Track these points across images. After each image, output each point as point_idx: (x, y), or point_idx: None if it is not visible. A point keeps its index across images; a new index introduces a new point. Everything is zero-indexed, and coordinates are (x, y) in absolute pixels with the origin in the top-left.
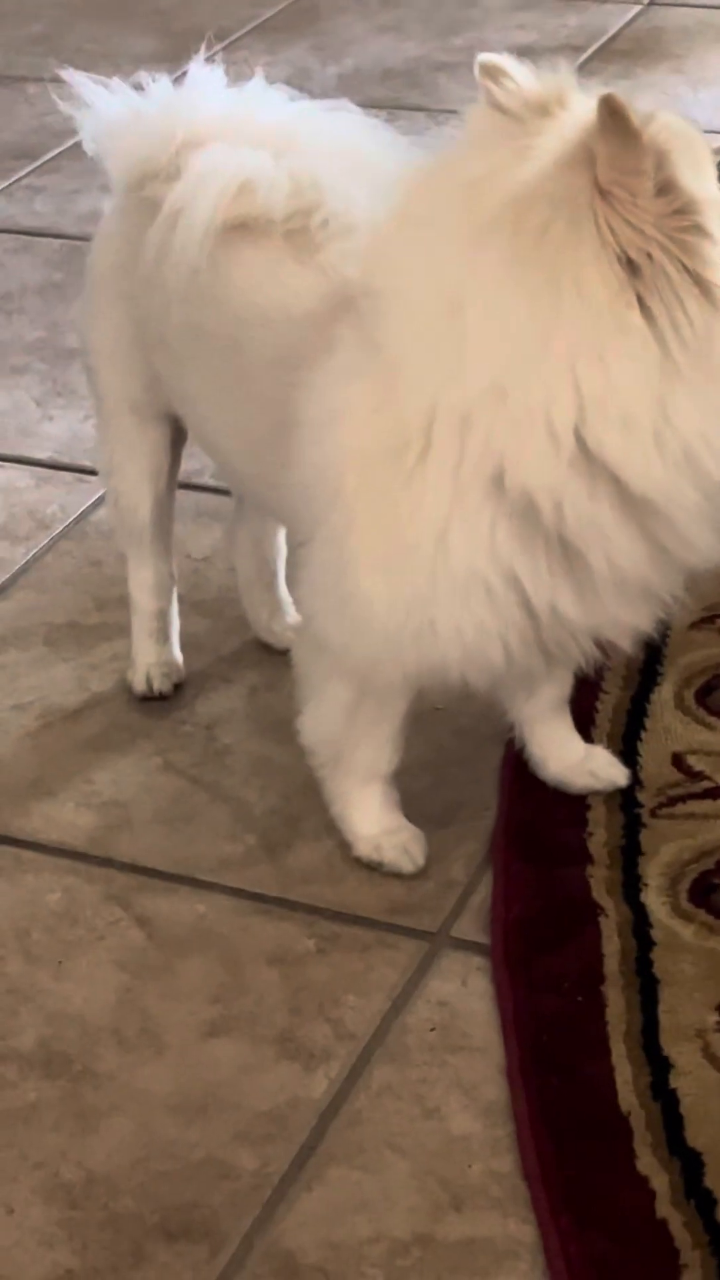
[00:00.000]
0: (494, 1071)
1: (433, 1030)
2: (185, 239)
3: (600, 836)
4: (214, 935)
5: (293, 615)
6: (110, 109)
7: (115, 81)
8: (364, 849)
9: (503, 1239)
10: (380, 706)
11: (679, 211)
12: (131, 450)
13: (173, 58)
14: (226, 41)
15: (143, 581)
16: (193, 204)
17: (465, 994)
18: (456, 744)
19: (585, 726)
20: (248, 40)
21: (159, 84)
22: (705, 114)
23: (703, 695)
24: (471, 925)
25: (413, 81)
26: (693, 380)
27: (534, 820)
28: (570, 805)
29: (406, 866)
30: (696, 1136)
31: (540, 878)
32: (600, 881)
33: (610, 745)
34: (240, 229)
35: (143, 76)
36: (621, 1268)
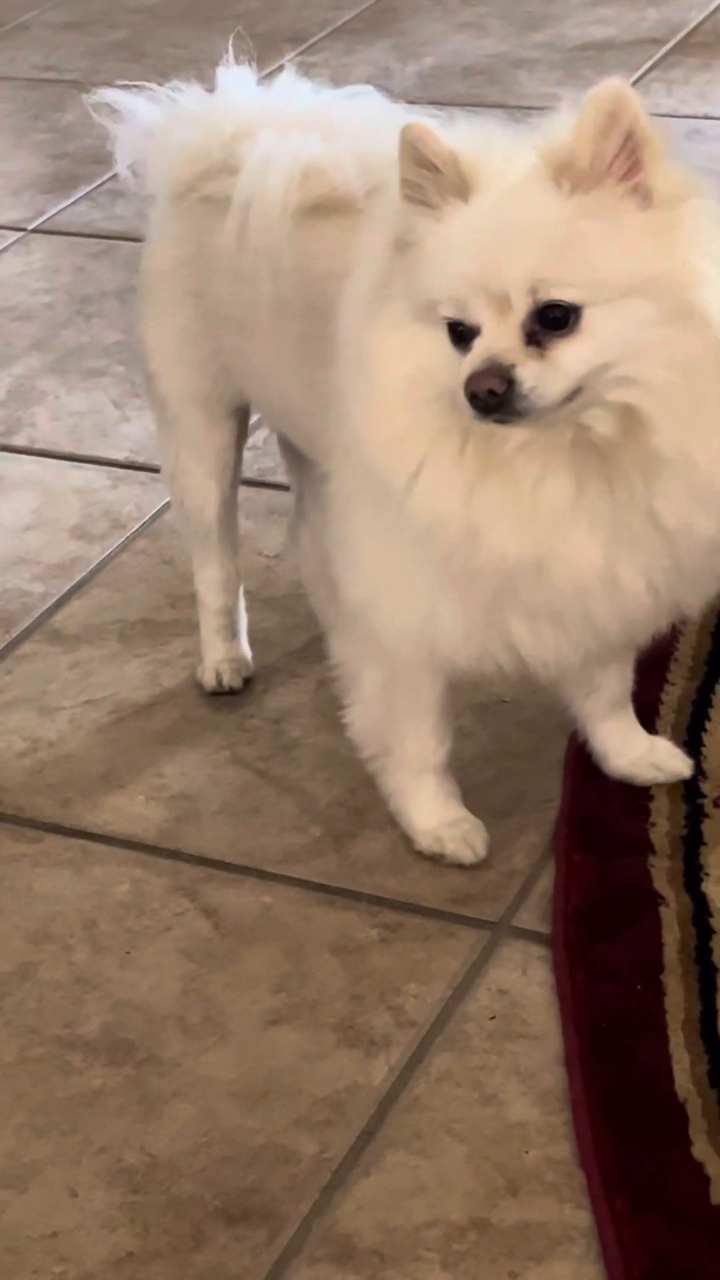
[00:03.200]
0: (552, 1059)
1: (492, 1018)
2: (261, 224)
3: (662, 827)
4: (278, 925)
5: None
6: (149, 115)
7: (152, 90)
8: (425, 841)
9: (558, 1224)
10: (412, 691)
11: None
12: (198, 450)
13: (255, 61)
14: (307, 44)
15: (210, 580)
16: (262, 191)
17: (525, 982)
18: (521, 736)
19: (650, 717)
20: (327, 42)
21: (191, 89)
22: None
23: None
24: (532, 915)
25: (492, 78)
26: None
27: (596, 811)
28: (632, 796)
29: (468, 857)
30: None
31: (601, 867)
32: (661, 871)
33: (674, 736)
34: (318, 208)
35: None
36: (676, 1252)
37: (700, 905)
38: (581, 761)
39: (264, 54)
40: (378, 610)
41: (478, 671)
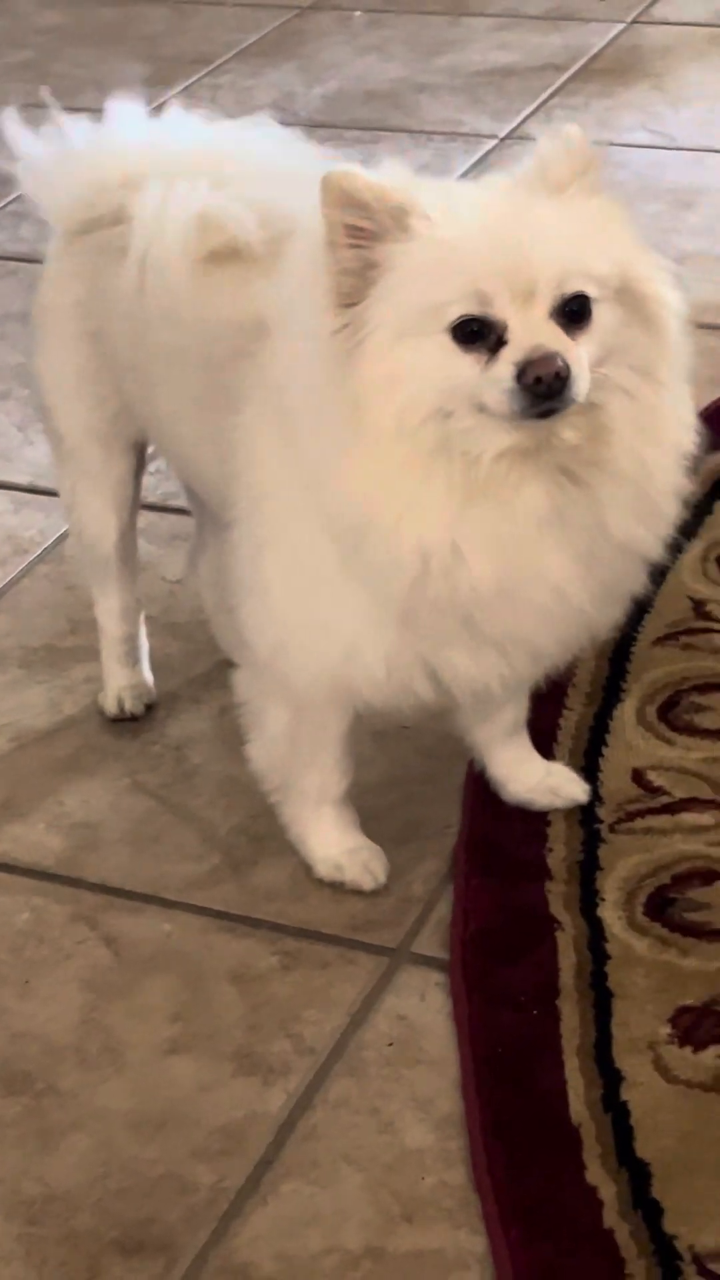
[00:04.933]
0: (449, 1085)
1: (390, 1045)
2: (159, 277)
3: (560, 852)
4: (178, 954)
5: None
6: (38, 156)
7: (47, 119)
8: (324, 869)
9: (453, 1250)
10: (318, 728)
11: None
12: (96, 483)
13: (160, 82)
14: (212, 66)
15: (110, 608)
16: (159, 244)
17: (423, 1009)
18: (420, 762)
19: (548, 743)
20: (233, 64)
21: (79, 125)
22: (685, 131)
23: (665, 711)
24: (431, 941)
25: (395, 102)
26: None
27: (494, 836)
28: (530, 821)
29: (367, 883)
30: (645, 1147)
31: (499, 893)
32: (558, 896)
33: (572, 762)
34: (213, 256)
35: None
36: (569, 1277)
37: (596, 930)
38: (480, 787)
39: (170, 76)
40: (289, 654)
41: (390, 706)
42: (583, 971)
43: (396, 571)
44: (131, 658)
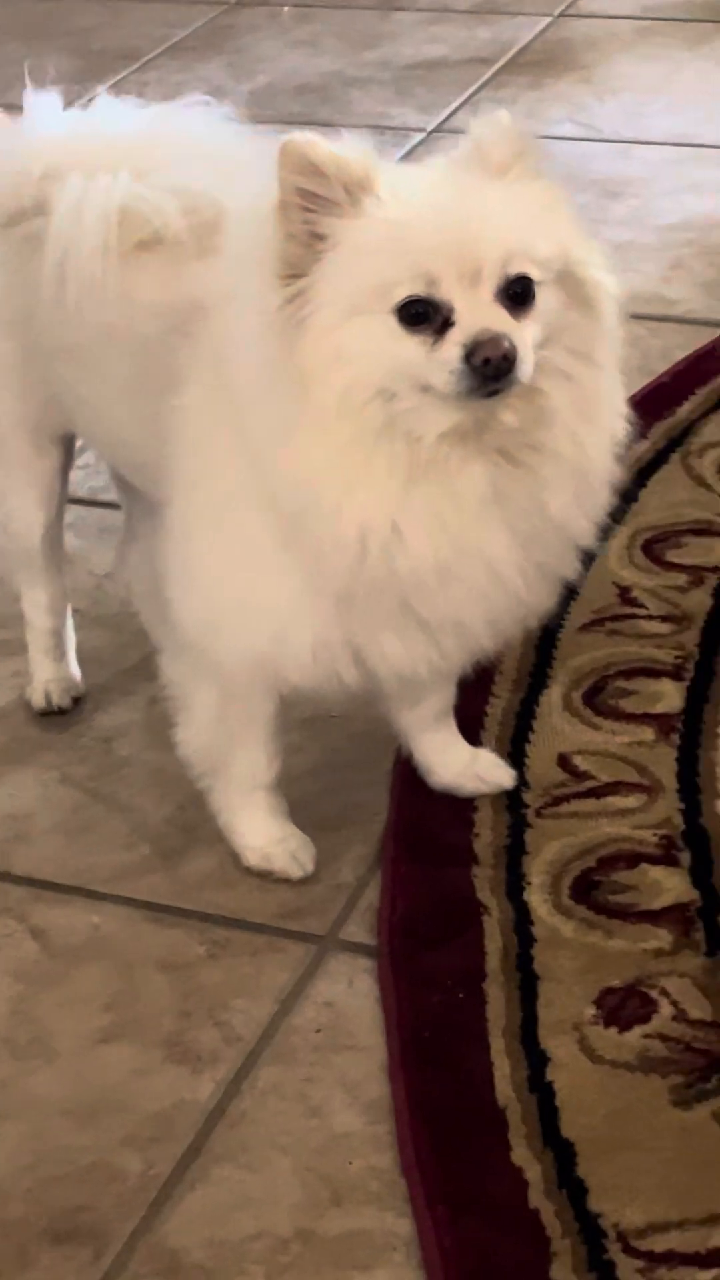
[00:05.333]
0: (377, 1070)
1: (319, 1031)
2: (78, 271)
3: (486, 837)
4: (107, 944)
5: None
6: None
7: None
8: (252, 858)
9: (381, 1232)
10: (245, 711)
11: None
12: (24, 476)
13: (90, 77)
14: (142, 61)
15: (36, 601)
16: (77, 238)
17: (351, 994)
18: (350, 749)
19: (475, 730)
20: (162, 59)
21: (10, 124)
22: (612, 123)
23: (590, 696)
24: (359, 927)
25: (325, 96)
26: None
27: (422, 822)
28: (457, 807)
29: (295, 873)
30: (570, 1127)
31: (426, 878)
32: (485, 881)
33: (499, 748)
34: (146, 242)
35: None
36: (494, 1257)
37: (522, 914)
38: (408, 774)
39: (100, 71)
40: (218, 634)
41: (315, 690)
42: (509, 955)
43: (336, 551)
44: (59, 651)
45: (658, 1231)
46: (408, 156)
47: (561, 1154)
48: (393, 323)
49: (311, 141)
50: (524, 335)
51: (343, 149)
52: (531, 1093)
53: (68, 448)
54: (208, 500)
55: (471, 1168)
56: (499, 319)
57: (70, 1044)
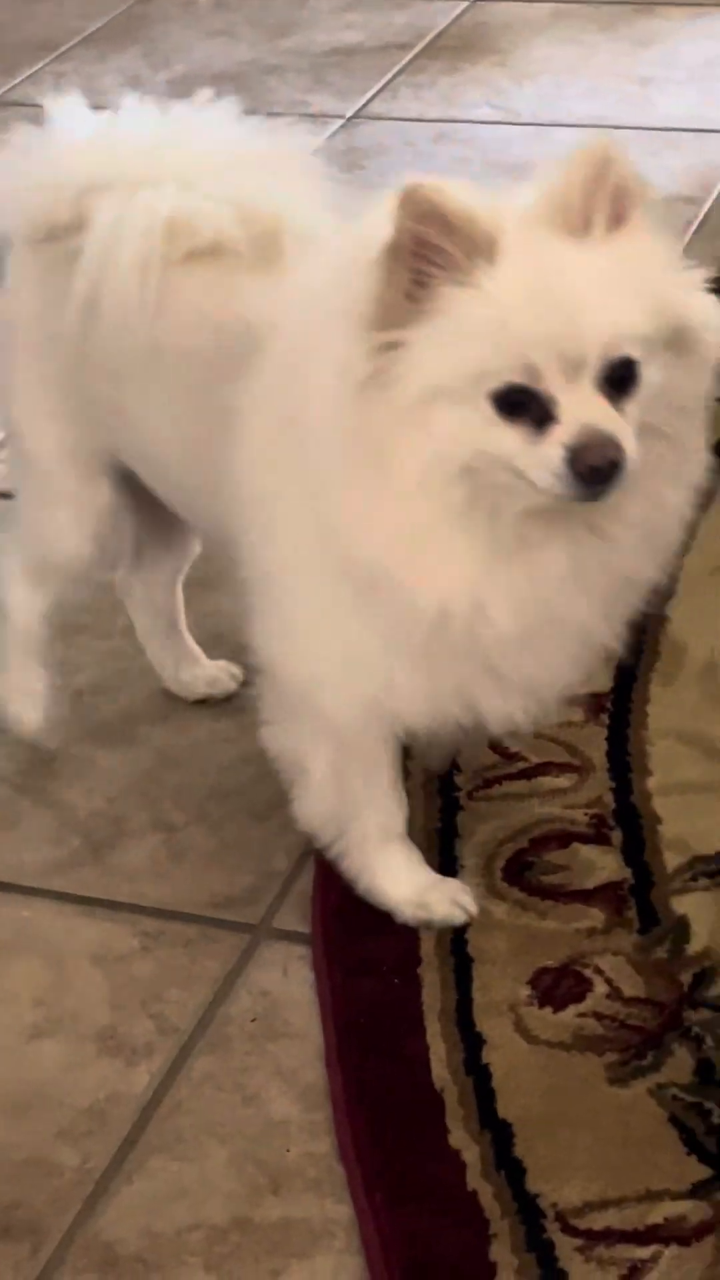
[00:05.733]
0: (313, 1057)
1: (254, 1020)
2: (114, 286)
3: (419, 820)
4: (39, 939)
5: (203, 662)
6: None
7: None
8: (410, 911)
9: (319, 1219)
10: (365, 762)
11: None
12: (70, 509)
13: (4, 70)
14: (58, 52)
15: (35, 608)
16: (114, 254)
17: (286, 982)
18: None
19: None
20: (78, 50)
21: (37, 134)
22: (528, 106)
23: None
24: (293, 915)
25: (241, 85)
26: None
27: None
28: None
29: (460, 917)
30: (507, 1108)
31: None
32: None
33: None
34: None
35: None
36: (433, 1240)
37: None
38: None
39: (14, 63)
40: (326, 688)
41: (435, 731)
42: (443, 939)
43: (414, 624)
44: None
45: (595, 1209)
46: (329, 142)
47: (499, 1135)
48: (488, 409)
49: (442, 189)
50: (628, 427)
51: (473, 201)
52: (468, 1075)
53: (120, 484)
54: (287, 555)
55: (409, 1152)
56: (604, 415)
57: (2, 1039)
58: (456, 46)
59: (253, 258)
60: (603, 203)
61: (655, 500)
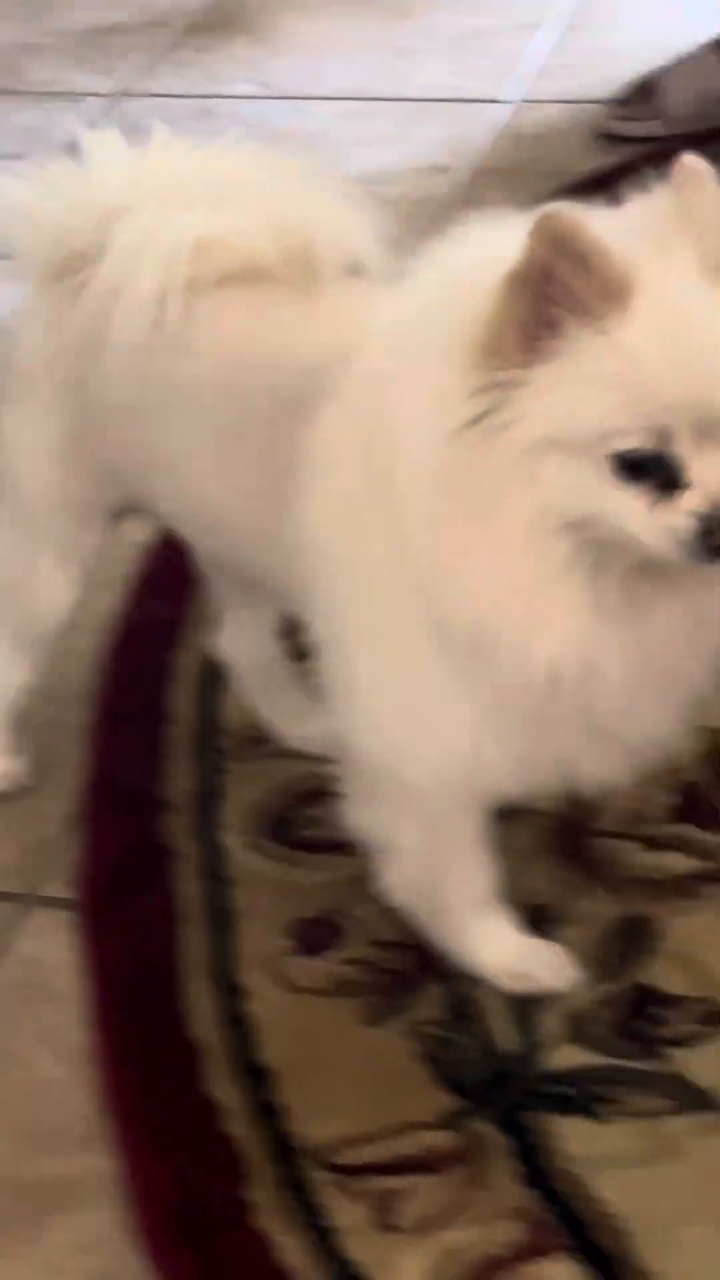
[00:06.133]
0: (80, 1019)
1: (22, 987)
2: (129, 312)
3: (182, 784)
4: None
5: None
6: (15, 193)
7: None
8: (510, 983)
9: (88, 1175)
10: (456, 833)
11: None
12: (64, 556)
13: None
14: None
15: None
16: (132, 278)
17: (53, 948)
18: (43, 707)
19: (165, 681)
20: None
21: (56, 160)
22: (286, 80)
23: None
24: (61, 882)
25: (3, 66)
26: None
27: (117, 774)
28: (152, 757)
29: (566, 985)
30: (266, 1054)
31: (123, 828)
32: (180, 827)
33: (190, 698)
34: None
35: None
36: (195, 1187)
37: (217, 856)
38: (103, 726)
39: None
40: (408, 760)
41: (529, 797)
42: (204, 897)
43: (523, 691)
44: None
45: (351, 1146)
46: (92, 121)
47: (258, 1081)
48: (606, 469)
49: (579, 219)
50: None
51: (612, 239)
52: (229, 1026)
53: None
54: (367, 621)
55: (170, 1104)
56: None
57: None
58: (216, 24)
59: (290, 285)
60: (713, 238)
61: None
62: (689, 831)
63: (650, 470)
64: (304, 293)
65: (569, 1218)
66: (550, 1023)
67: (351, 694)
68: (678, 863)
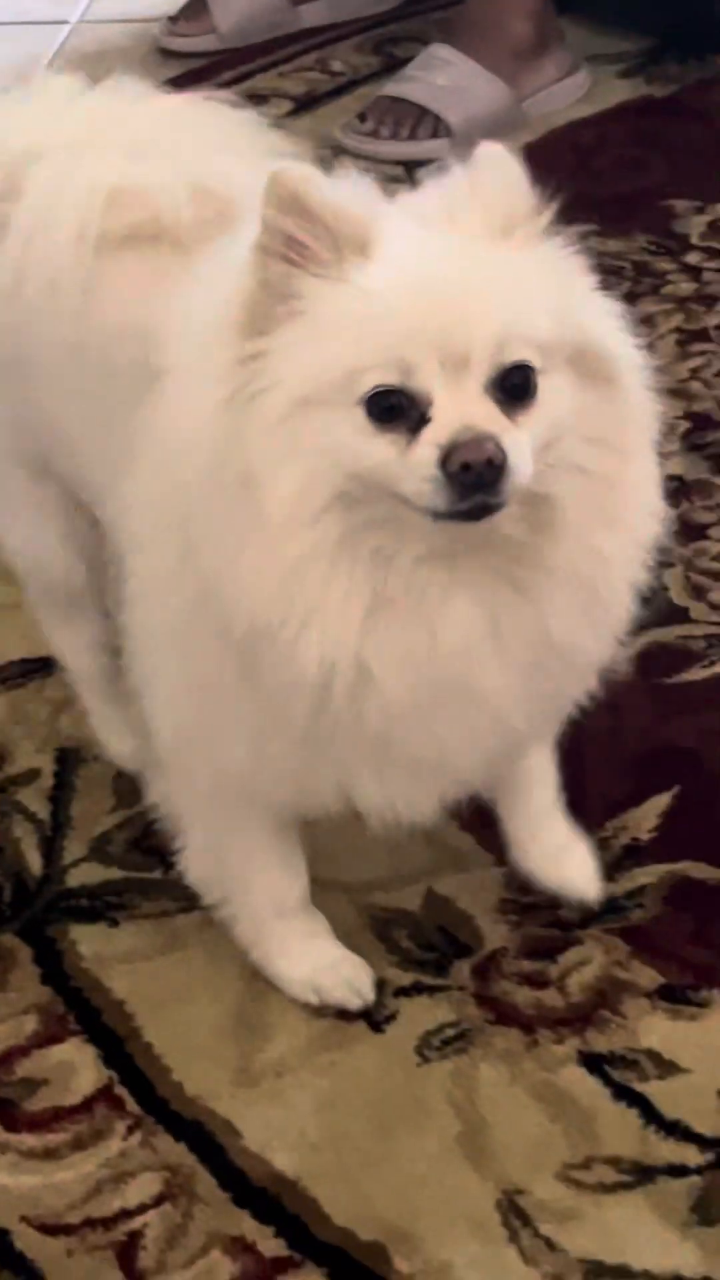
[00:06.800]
0: None
1: None
2: (43, 260)
3: None
4: None
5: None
6: None
7: None
8: (300, 992)
9: None
10: (247, 833)
11: None
12: (25, 507)
13: None
14: None
15: (72, 642)
16: (48, 222)
17: None
18: None
19: None
20: None
21: None
22: None
23: None
24: None
25: None
26: None
27: None
28: None
29: (354, 1003)
30: None
31: None
32: None
33: None
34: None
35: None
36: None
37: None
38: None
39: None
40: (194, 749)
41: (304, 813)
42: None
43: (295, 693)
44: (113, 691)
45: None
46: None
47: None
48: (360, 417)
49: (307, 177)
50: (520, 437)
51: (345, 196)
52: None
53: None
54: (160, 614)
55: None
56: (486, 415)
57: None
58: None
59: (194, 249)
60: (496, 209)
61: (587, 549)
62: None
63: (402, 414)
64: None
65: (84, 1008)
66: (74, 847)
67: (150, 682)
68: None
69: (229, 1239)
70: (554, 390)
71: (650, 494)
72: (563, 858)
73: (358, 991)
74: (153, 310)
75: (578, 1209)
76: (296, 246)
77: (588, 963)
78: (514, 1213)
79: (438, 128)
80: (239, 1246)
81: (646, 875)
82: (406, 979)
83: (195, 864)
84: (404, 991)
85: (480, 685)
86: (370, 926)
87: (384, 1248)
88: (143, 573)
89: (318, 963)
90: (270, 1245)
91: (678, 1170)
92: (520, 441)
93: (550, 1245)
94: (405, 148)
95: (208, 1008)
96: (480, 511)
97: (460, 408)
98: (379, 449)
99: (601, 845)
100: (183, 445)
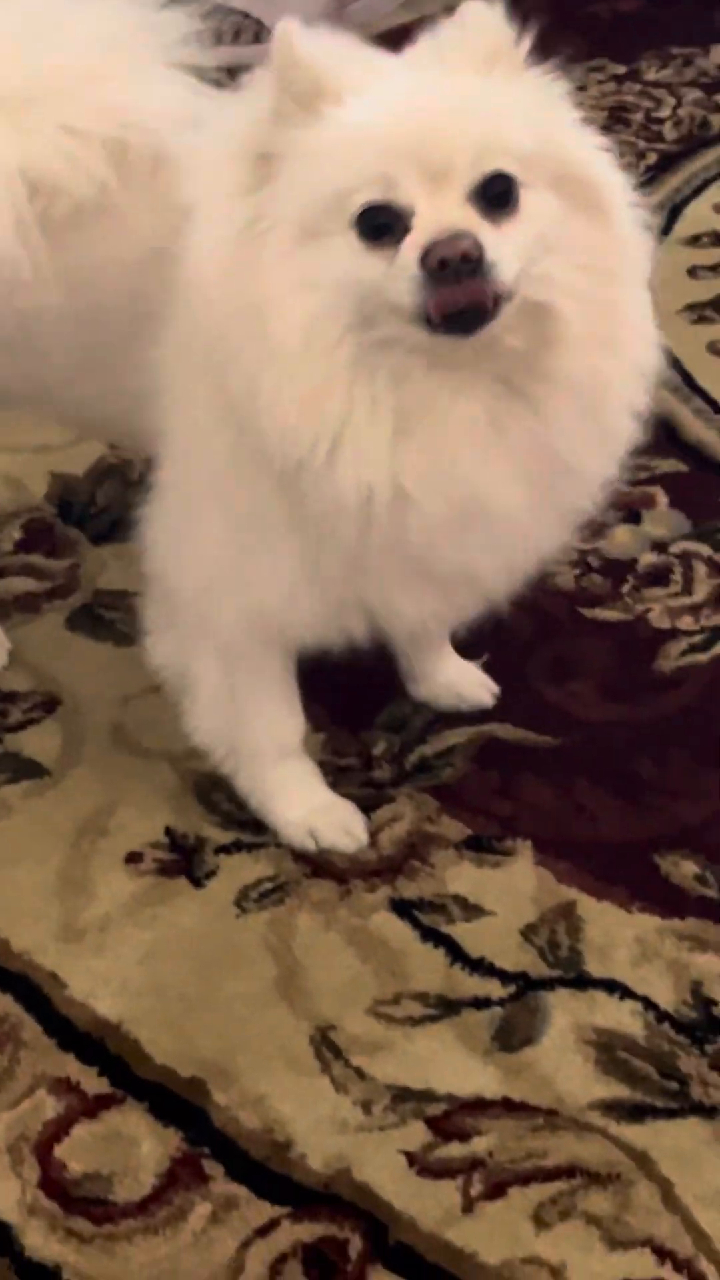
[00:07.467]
0: None
1: None
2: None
3: None
4: None
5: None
6: None
7: None
8: (296, 835)
9: None
10: (258, 674)
11: None
12: None
13: None
14: None
15: None
16: None
17: None
18: None
19: None
20: None
21: None
22: None
23: None
24: None
25: None
26: None
27: None
28: None
29: (349, 845)
30: None
31: None
32: None
33: None
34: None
35: None
36: None
37: None
38: None
39: None
40: (221, 598)
41: (323, 644)
42: None
43: (341, 518)
44: None
45: None
46: None
47: None
48: (354, 239)
49: (295, 31)
50: (501, 239)
51: (321, 54)
52: None
53: None
54: (202, 462)
55: None
56: (464, 217)
57: None
58: None
59: (144, 200)
60: (479, 46)
61: (588, 367)
62: (34, 559)
63: (391, 228)
64: (129, 184)
65: None
66: None
67: (179, 537)
68: (24, 584)
69: (54, 1079)
70: (538, 202)
71: (645, 323)
72: (460, 680)
73: (351, 833)
74: (129, 248)
75: (387, 1041)
76: (296, 87)
77: (400, 819)
78: (326, 1046)
79: (259, 33)
80: (64, 1086)
81: (456, 736)
82: (227, 838)
83: (205, 718)
84: (224, 849)
85: (498, 498)
86: (192, 790)
87: (203, 1082)
88: (183, 429)
89: (313, 803)
90: (94, 1084)
91: (482, 1003)
92: (502, 243)
93: (360, 1074)
94: (225, 52)
95: (34, 870)
96: (472, 322)
97: (440, 214)
98: (372, 265)
99: (415, 710)
100: (202, 299)
